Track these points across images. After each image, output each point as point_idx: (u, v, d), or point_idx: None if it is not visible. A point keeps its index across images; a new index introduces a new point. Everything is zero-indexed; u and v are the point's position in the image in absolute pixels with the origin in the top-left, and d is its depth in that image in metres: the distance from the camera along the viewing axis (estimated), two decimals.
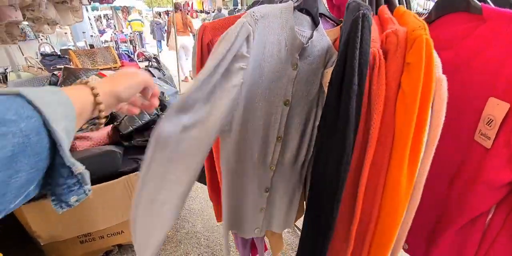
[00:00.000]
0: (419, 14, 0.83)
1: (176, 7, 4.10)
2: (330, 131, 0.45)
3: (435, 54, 0.39)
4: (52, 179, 0.27)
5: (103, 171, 1.14)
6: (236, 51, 0.48)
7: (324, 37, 0.61)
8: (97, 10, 7.74)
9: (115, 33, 5.09)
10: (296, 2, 0.60)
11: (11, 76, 2.23)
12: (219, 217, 0.87)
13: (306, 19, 0.63)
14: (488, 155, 0.44)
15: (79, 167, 0.28)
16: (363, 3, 0.43)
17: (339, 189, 0.46)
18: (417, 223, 0.58)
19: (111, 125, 1.36)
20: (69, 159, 0.26)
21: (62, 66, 1.90)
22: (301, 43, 0.57)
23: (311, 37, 0.60)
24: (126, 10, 7.98)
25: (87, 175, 0.29)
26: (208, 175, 0.77)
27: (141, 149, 1.36)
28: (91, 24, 4.88)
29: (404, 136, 0.41)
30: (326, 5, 0.78)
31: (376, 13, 0.50)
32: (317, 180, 0.51)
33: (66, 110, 0.27)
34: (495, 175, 0.42)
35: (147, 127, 1.41)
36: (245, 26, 0.48)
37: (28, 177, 0.23)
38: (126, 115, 1.39)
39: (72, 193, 0.28)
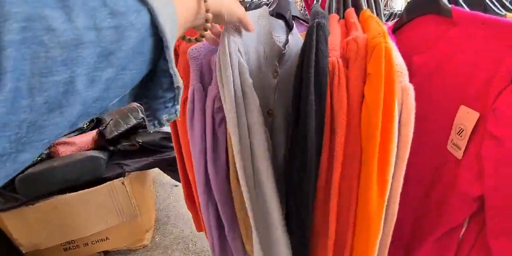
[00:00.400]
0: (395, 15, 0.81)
1: None
2: (293, 141, 0.43)
3: (398, 62, 0.37)
4: (150, 90, 0.25)
5: (86, 177, 1.12)
6: (238, 71, 0.45)
7: (300, 40, 0.59)
8: None
9: None
10: (269, 6, 0.58)
11: None
12: (199, 227, 0.85)
13: (280, 23, 0.60)
14: (459, 166, 0.42)
15: (179, 79, 0.25)
16: (320, 10, 0.40)
17: (304, 200, 0.44)
18: (393, 235, 0.56)
19: (97, 130, 1.34)
20: (174, 66, 0.24)
21: None
22: (279, 49, 0.54)
23: (287, 41, 0.58)
24: None
25: (181, 92, 0.27)
26: (184, 186, 0.75)
27: (127, 154, 1.35)
28: None
29: (370, 151, 0.38)
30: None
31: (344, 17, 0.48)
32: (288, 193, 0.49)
33: (171, 11, 0.24)
34: (466, 189, 0.40)
35: (134, 132, 1.39)
36: (231, 40, 0.45)
37: (131, 77, 0.22)
38: (111, 119, 1.37)
39: (166, 111, 0.27)
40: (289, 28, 0.60)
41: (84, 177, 1.12)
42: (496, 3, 0.45)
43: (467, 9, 0.44)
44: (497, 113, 0.35)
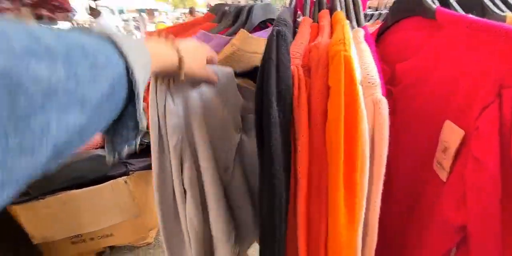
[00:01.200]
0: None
1: (191, 11, 4.25)
2: (261, 170, 0.39)
3: (370, 72, 0.33)
4: (114, 129, 0.27)
5: (91, 175, 1.16)
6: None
7: None
8: (123, 12, 8.11)
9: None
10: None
11: None
12: None
13: None
14: (443, 189, 0.37)
15: (144, 124, 0.28)
16: (282, 16, 0.37)
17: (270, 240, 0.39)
18: None
19: None
20: (141, 113, 0.27)
21: None
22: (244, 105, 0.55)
23: None
24: (151, 12, 8.27)
25: (144, 130, 0.29)
26: None
27: (134, 153, 1.39)
28: (117, 26, 5.13)
29: (334, 177, 0.33)
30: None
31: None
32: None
33: (145, 61, 0.27)
34: (448, 217, 0.35)
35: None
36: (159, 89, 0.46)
37: (99, 125, 0.23)
38: None
39: (127, 144, 0.29)
40: None
41: (89, 175, 1.16)
42: (498, 2, 0.39)
43: (460, 10, 0.38)
44: (480, 132, 0.30)
